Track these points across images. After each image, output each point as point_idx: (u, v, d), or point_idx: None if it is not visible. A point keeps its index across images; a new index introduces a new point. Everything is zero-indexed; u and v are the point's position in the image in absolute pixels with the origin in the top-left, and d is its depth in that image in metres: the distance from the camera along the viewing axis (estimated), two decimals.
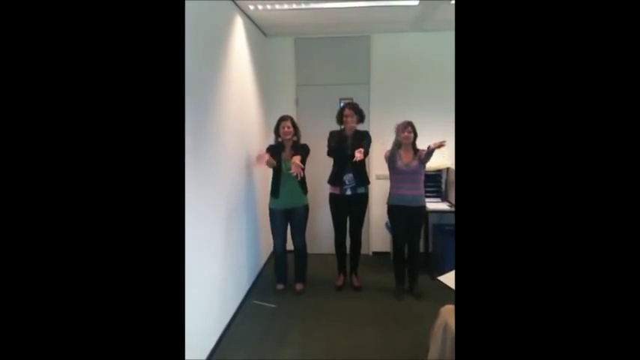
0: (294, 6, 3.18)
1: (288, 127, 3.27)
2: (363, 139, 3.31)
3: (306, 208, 3.41)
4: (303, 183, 3.35)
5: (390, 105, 4.19)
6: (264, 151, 3.33)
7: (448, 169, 3.96)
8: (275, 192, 3.34)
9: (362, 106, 4.17)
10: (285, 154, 3.30)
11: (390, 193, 3.31)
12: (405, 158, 3.22)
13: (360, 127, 3.44)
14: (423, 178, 3.27)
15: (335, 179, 3.39)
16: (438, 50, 4.08)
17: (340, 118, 3.34)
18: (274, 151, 3.30)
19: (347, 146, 3.31)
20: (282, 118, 3.31)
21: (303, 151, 3.30)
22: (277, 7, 3.20)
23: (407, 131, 3.17)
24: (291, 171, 3.10)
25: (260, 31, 3.92)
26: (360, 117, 3.35)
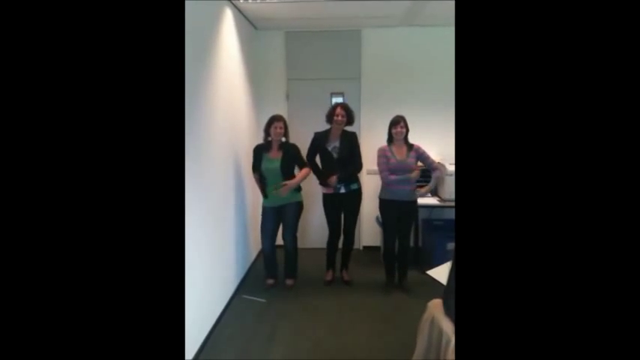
0: None
1: (281, 128, 3.21)
2: (353, 141, 3.35)
3: (298, 205, 3.36)
4: (289, 178, 3.32)
5: (381, 100, 4.19)
6: (253, 152, 3.34)
7: (438, 163, 3.97)
8: (263, 194, 3.33)
9: (353, 101, 4.19)
10: (272, 154, 3.27)
11: (382, 187, 3.31)
12: (398, 155, 3.20)
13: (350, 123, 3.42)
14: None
15: (326, 181, 3.37)
16: (429, 45, 4.08)
17: (330, 117, 3.31)
18: (260, 151, 3.29)
19: (333, 147, 3.32)
20: (276, 118, 3.24)
21: (293, 150, 3.29)
22: None
23: (399, 126, 3.15)
24: (281, 190, 3.21)
25: (250, 24, 3.88)
26: (350, 118, 3.31)
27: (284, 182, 3.22)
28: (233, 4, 3.25)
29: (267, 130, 3.27)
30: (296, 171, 3.36)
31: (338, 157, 3.32)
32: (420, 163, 3.29)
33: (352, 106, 4.21)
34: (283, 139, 3.30)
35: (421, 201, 3.63)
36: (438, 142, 4.04)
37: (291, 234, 3.38)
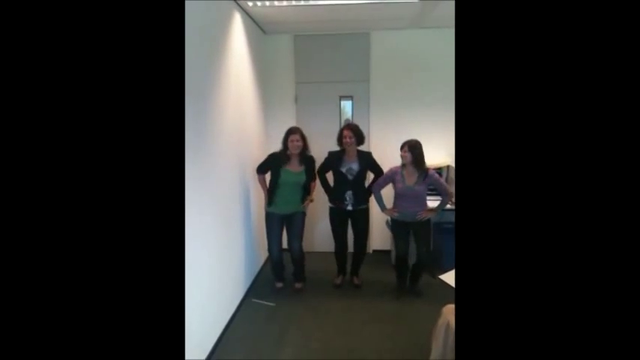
0: (294, 3, 3.16)
1: (297, 141, 3.18)
2: (370, 162, 3.34)
3: (304, 215, 3.37)
4: (306, 193, 3.34)
5: (390, 102, 4.17)
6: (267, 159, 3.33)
7: (448, 166, 3.94)
8: (269, 201, 3.30)
9: (362, 103, 4.18)
10: (292, 166, 3.25)
11: (393, 206, 3.26)
12: (408, 180, 3.11)
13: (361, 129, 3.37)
14: (425, 198, 3.19)
15: (335, 198, 3.37)
16: (438, 47, 4.06)
17: (340, 139, 3.29)
18: (275, 160, 3.26)
19: (348, 169, 3.29)
20: (291, 131, 3.23)
21: (310, 164, 3.31)
22: (276, 3, 3.17)
23: (403, 151, 3.06)
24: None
25: (259, 28, 3.89)
26: (359, 139, 3.27)
27: (311, 198, 3.39)
28: (242, 8, 3.25)
29: (284, 143, 3.24)
30: None
31: (353, 178, 3.28)
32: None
33: (361, 108, 4.21)
34: (302, 150, 3.26)
35: (432, 204, 3.59)
36: (447, 143, 4.01)
37: (298, 242, 3.36)
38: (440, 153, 3.93)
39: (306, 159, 3.29)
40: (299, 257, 3.40)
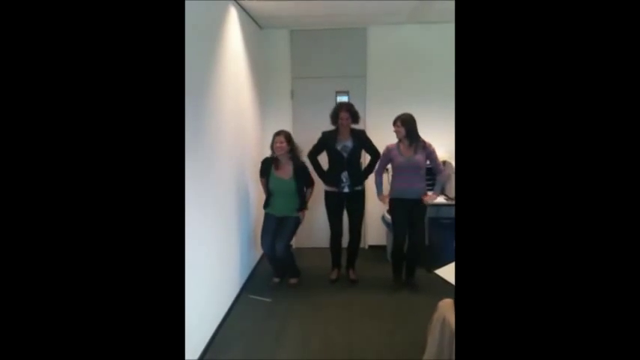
0: None
1: (281, 142, 3.19)
2: (363, 139, 3.34)
3: (297, 220, 3.38)
4: (301, 200, 3.35)
5: (387, 98, 4.16)
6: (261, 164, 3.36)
7: (445, 162, 3.94)
8: (266, 203, 3.36)
9: (358, 99, 4.16)
10: (282, 173, 3.26)
11: (390, 186, 3.28)
12: (405, 153, 3.17)
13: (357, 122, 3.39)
14: (424, 171, 3.23)
15: (331, 180, 3.35)
16: (435, 42, 4.04)
17: (335, 118, 3.29)
18: (267, 165, 3.30)
19: (343, 147, 3.30)
20: (277, 133, 3.25)
21: (301, 171, 3.29)
22: None
23: (395, 126, 3.14)
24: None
25: (255, 22, 3.86)
26: (354, 118, 3.28)
27: (305, 208, 3.39)
28: (238, 3, 3.22)
29: (272, 147, 3.26)
30: None
31: (348, 156, 3.29)
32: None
33: (358, 104, 4.18)
34: (290, 155, 3.26)
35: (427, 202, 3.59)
36: (445, 139, 4.00)
37: (283, 243, 3.33)
38: (438, 149, 3.91)
39: (297, 166, 3.28)
40: (282, 257, 3.35)
